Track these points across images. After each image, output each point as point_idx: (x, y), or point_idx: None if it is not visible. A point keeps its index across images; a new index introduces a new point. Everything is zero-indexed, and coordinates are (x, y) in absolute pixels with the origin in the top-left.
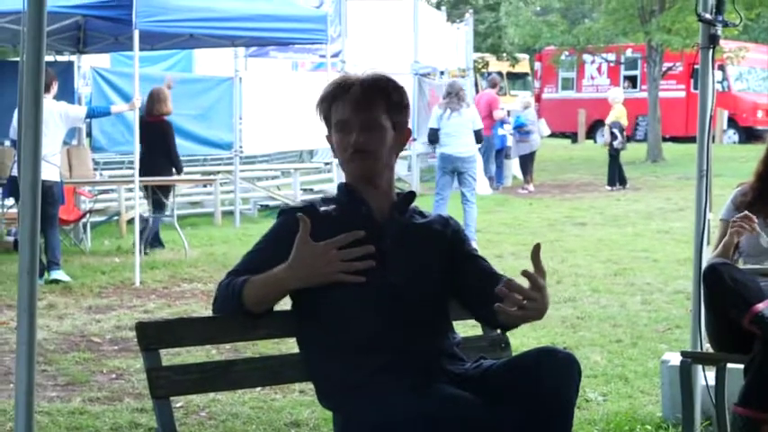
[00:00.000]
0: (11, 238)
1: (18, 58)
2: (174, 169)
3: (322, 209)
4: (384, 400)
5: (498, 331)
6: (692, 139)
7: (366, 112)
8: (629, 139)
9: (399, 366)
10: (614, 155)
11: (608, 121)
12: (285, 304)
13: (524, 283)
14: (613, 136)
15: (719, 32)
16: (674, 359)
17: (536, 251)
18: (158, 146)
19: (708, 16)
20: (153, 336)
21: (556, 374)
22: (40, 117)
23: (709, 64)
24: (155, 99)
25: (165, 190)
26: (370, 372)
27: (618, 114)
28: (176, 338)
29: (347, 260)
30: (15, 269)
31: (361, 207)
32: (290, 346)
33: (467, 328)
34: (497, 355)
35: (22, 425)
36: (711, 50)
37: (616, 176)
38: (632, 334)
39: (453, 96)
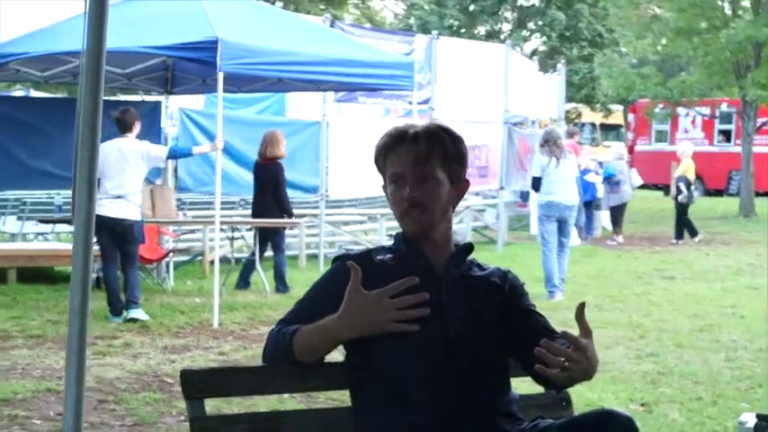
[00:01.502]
0: (94, 276)
1: (108, 98)
2: (283, 213)
3: (378, 258)
4: None
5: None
6: None
7: (421, 165)
8: (722, 193)
9: (451, 425)
10: (680, 209)
11: (675, 174)
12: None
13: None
14: (679, 190)
15: None
16: (752, 420)
17: (581, 310)
18: (269, 188)
19: None
20: (198, 384)
21: None
22: (95, 156)
23: None
24: (268, 142)
25: (274, 231)
26: (418, 429)
27: (685, 168)
28: (223, 388)
29: (401, 308)
30: (96, 307)
31: (420, 258)
32: (344, 398)
33: (528, 385)
34: (558, 414)
35: None
36: None
37: (683, 230)
38: (713, 392)
39: (552, 144)
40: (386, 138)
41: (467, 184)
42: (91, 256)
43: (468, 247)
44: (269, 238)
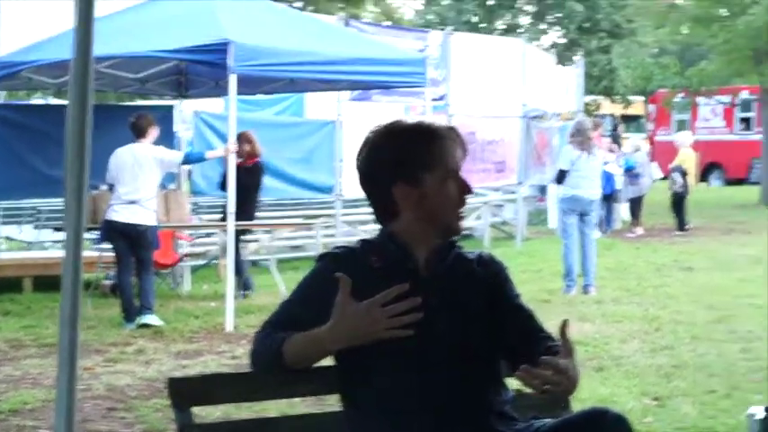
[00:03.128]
0: (108, 282)
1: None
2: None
3: (364, 257)
4: None
5: None
6: None
7: (463, 159)
8: (743, 182)
9: (443, 427)
10: (676, 200)
11: (671, 165)
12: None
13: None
14: (673, 180)
15: None
16: (761, 413)
17: (563, 328)
18: (253, 189)
19: None
20: (185, 393)
21: None
22: (84, 161)
23: None
24: (246, 141)
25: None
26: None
27: (682, 159)
28: (211, 396)
29: (393, 315)
30: (110, 314)
31: (408, 262)
32: (331, 403)
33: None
34: (557, 414)
35: None
36: None
37: (684, 221)
38: (728, 384)
39: (584, 135)
40: (426, 129)
41: None
42: (81, 263)
43: (452, 241)
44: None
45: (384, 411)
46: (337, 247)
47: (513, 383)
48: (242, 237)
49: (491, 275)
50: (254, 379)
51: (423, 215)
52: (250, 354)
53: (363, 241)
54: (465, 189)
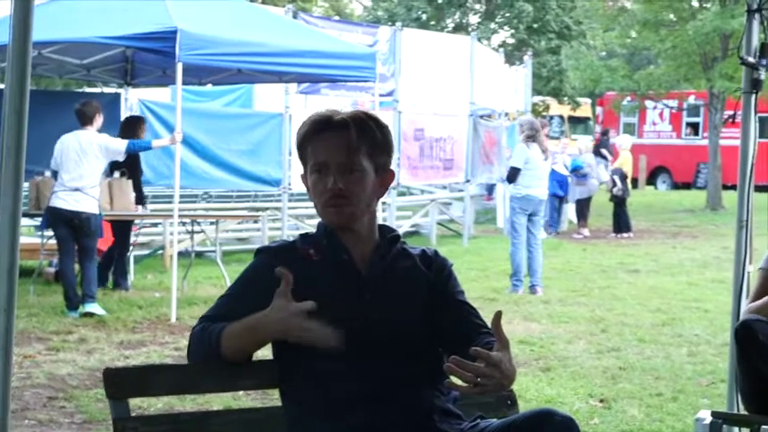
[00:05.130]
0: (51, 270)
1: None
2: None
3: (302, 249)
4: None
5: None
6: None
7: (347, 155)
8: (689, 186)
9: (385, 425)
10: (617, 202)
11: (610, 167)
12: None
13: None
14: (614, 183)
15: (762, 77)
16: (709, 417)
17: (496, 319)
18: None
19: (751, 60)
20: (121, 383)
21: None
22: (21, 145)
23: (751, 109)
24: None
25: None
26: (352, 431)
27: (622, 162)
28: (147, 387)
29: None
30: (53, 301)
31: (342, 254)
32: (277, 397)
33: None
34: (502, 413)
35: None
36: (754, 95)
37: (621, 223)
38: (674, 387)
39: (536, 134)
40: (309, 124)
41: (392, 174)
42: (17, 248)
43: (394, 238)
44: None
45: (321, 407)
46: (275, 242)
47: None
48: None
49: (434, 272)
50: (193, 371)
51: None
52: (188, 347)
53: (303, 235)
54: (329, 185)
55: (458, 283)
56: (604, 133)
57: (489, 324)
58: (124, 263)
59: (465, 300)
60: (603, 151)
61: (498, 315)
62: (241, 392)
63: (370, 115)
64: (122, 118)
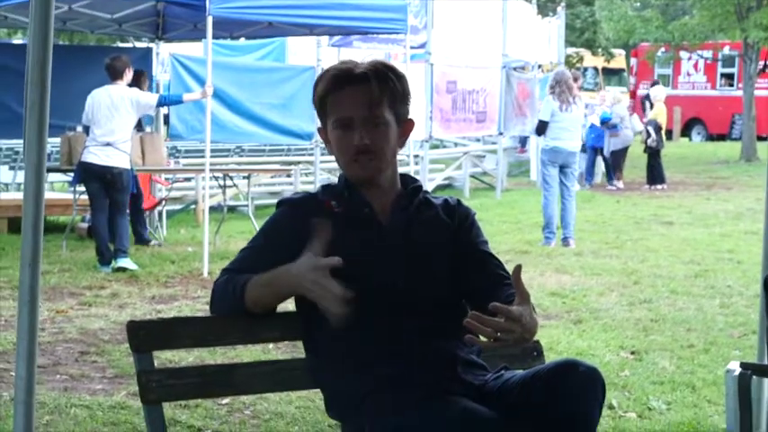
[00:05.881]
0: (85, 225)
1: (95, 45)
2: None
3: (323, 200)
4: (391, 413)
5: None
6: None
7: (372, 109)
8: (724, 137)
9: (409, 376)
10: (651, 153)
11: (645, 119)
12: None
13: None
14: (648, 134)
15: None
16: (738, 369)
17: (517, 273)
18: None
19: None
20: (145, 336)
21: (575, 392)
22: (45, 98)
23: None
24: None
25: None
26: (378, 383)
27: (656, 113)
28: (171, 340)
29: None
30: (86, 257)
31: (363, 208)
32: (301, 351)
33: None
34: (528, 365)
35: (20, 428)
36: None
37: (655, 175)
38: (706, 339)
39: (564, 86)
40: (329, 79)
41: (412, 123)
42: (42, 203)
43: (416, 189)
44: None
45: (343, 363)
46: (297, 194)
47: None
48: None
49: (457, 221)
50: (217, 323)
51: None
52: (211, 299)
53: (324, 186)
54: (354, 140)
55: (481, 233)
56: (654, 84)
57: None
58: (142, 213)
59: (488, 250)
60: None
61: (518, 269)
62: (270, 345)
63: (388, 65)
64: (154, 72)
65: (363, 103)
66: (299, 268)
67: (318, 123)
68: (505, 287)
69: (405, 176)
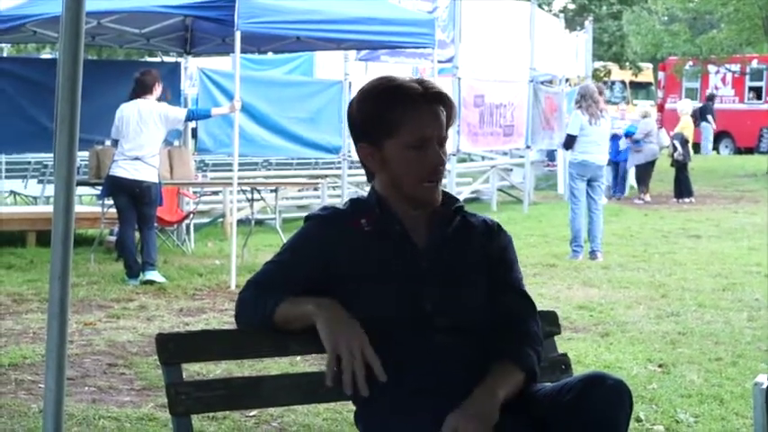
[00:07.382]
0: (112, 238)
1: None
2: None
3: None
4: (421, 425)
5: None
6: None
7: (443, 128)
8: (752, 151)
9: (439, 390)
10: (678, 167)
11: (672, 132)
12: None
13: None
14: (674, 148)
15: None
16: (767, 382)
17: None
18: None
19: None
20: (173, 349)
21: (603, 405)
22: (75, 113)
23: None
24: None
25: None
26: (407, 395)
27: (683, 126)
28: (200, 352)
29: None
30: (114, 269)
31: (395, 225)
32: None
33: None
34: (556, 378)
35: None
36: None
37: (683, 188)
38: (734, 352)
39: (590, 100)
40: (403, 92)
41: None
42: (72, 216)
43: (457, 209)
44: None
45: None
46: (325, 208)
47: None
48: None
49: (495, 249)
50: (245, 336)
51: (389, 180)
52: (236, 312)
53: (352, 201)
54: (433, 160)
55: (516, 265)
56: (710, 98)
57: (555, 294)
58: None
59: (515, 284)
60: (709, 117)
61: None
62: (298, 358)
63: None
64: (182, 87)
65: (441, 123)
66: (351, 326)
67: (349, 138)
68: (516, 329)
69: (446, 194)
